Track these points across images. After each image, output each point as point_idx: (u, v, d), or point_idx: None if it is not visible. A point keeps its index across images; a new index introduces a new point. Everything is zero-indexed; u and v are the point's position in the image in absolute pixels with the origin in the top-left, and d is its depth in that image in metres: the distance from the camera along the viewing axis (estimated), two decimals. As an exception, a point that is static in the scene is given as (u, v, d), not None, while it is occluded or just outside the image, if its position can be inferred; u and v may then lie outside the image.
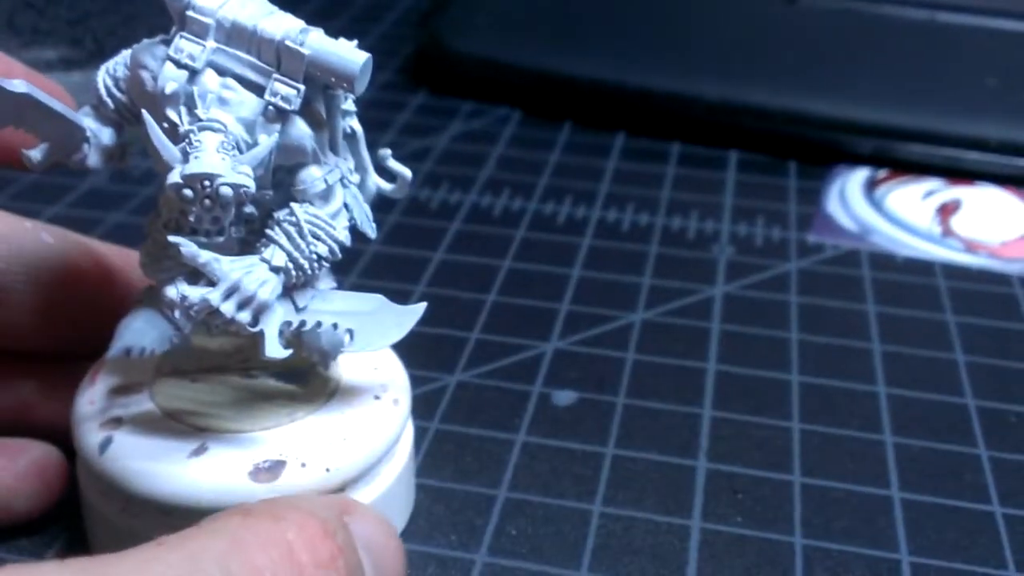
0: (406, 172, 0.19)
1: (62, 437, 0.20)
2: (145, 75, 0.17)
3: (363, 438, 0.19)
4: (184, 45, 0.17)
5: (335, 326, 0.18)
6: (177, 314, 0.17)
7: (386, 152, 0.20)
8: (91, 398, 0.19)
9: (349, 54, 0.17)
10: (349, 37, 0.18)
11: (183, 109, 0.17)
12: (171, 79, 0.17)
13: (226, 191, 0.16)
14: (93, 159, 0.18)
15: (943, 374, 0.25)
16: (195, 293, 0.16)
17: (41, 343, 0.21)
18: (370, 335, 0.19)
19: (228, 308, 0.16)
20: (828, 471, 0.22)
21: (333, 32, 0.18)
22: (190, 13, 0.17)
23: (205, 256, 0.16)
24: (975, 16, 0.39)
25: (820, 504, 0.21)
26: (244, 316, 0.17)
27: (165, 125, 0.17)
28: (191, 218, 0.16)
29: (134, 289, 0.21)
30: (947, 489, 0.22)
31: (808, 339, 0.26)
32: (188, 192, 0.16)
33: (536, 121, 0.38)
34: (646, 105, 0.37)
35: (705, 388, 0.25)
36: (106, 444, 0.18)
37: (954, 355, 0.26)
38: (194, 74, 0.17)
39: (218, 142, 0.16)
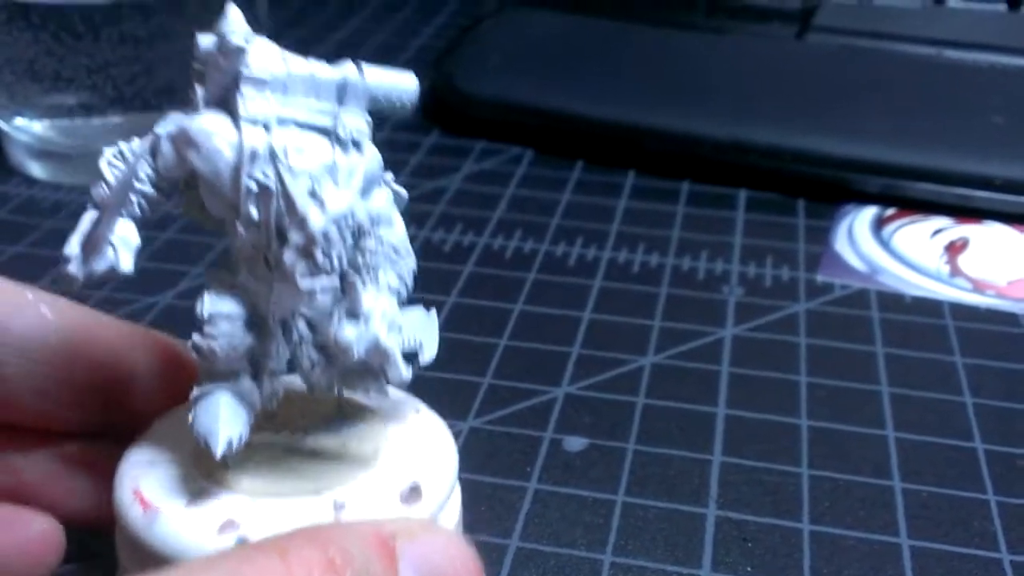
0: (402, 191, 0.20)
1: (63, 517, 0.20)
2: (218, 142, 0.17)
3: (446, 443, 0.20)
4: (252, 106, 0.17)
5: (414, 340, 0.19)
6: (354, 354, 0.17)
7: (388, 175, 0.20)
8: (173, 519, 0.18)
9: (402, 79, 0.18)
10: None
11: (264, 165, 0.17)
12: (256, 138, 0.17)
13: (366, 223, 0.17)
14: (127, 262, 0.18)
15: (951, 417, 0.25)
16: (363, 329, 0.17)
17: (42, 421, 0.20)
18: (428, 346, 0.19)
19: (385, 337, 0.17)
20: (838, 518, 0.22)
21: None
22: (246, 72, 0.17)
23: (365, 296, 0.17)
24: (982, 53, 0.40)
25: (830, 552, 0.21)
26: (394, 341, 0.17)
27: (253, 186, 0.17)
28: (334, 257, 0.17)
29: (140, 366, 0.20)
30: (956, 536, 0.22)
31: (817, 382, 0.27)
32: (334, 231, 0.17)
33: (548, 160, 0.38)
34: (655, 144, 0.38)
35: (715, 433, 0.25)
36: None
37: (962, 397, 0.26)
38: (266, 129, 0.17)
39: (331, 182, 0.17)
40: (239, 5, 0.38)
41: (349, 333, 0.17)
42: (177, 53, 0.36)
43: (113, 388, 0.20)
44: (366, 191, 0.18)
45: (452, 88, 0.41)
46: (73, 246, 0.18)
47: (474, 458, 0.24)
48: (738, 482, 0.23)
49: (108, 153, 0.18)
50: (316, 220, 0.17)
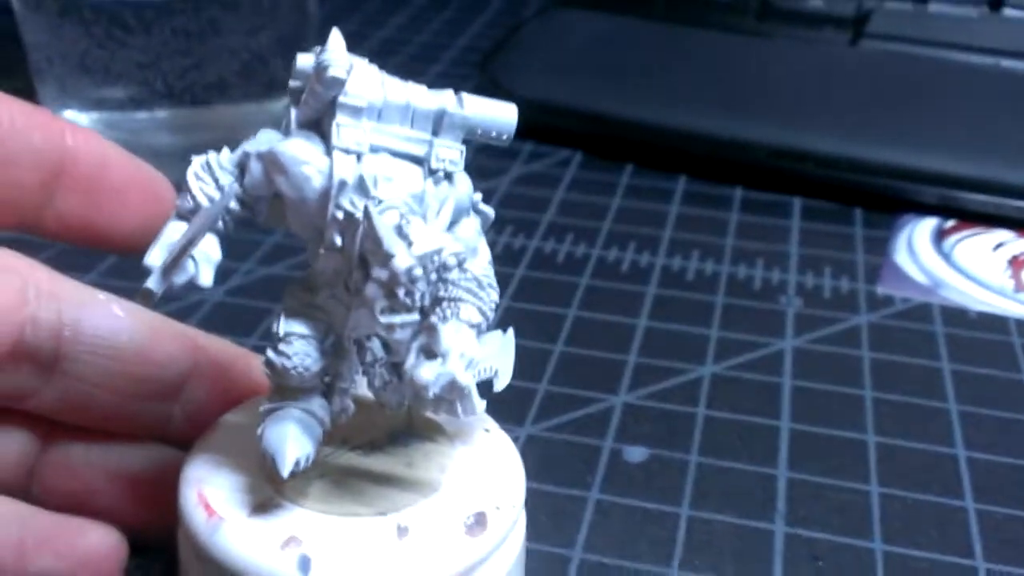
0: (489, 211, 0.19)
1: (121, 522, 0.19)
2: (307, 170, 0.17)
3: (514, 467, 0.19)
4: (347, 133, 0.17)
5: (491, 368, 0.18)
6: (430, 393, 0.16)
7: (476, 197, 0.19)
8: (237, 529, 0.18)
9: (503, 111, 0.18)
10: (406, 76, 0.18)
11: (352, 195, 0.17)
12: (347, 168, 0.17)
13: (452, 261, 0.16)
14: (208, 276, 0.18)
15: (1022, 436, 0.25)
16: (442, 369, 0.16)
17: (106, 420, 0.20)
18: (504, 372, 0.19)
19: (463, 376, 0.17)
20: (910, 539, 0.22)
21: (390, 71, 0.18)
22: (343, 99, 0.17)
23: (445, 335, 0.17)
24: (1042, 63, 0.39)
25: (903, 574, 0.21)
26: (470, 379, 0.17)
27: (339, 215, 0.17)
28: (417, 296, 0.16)
29: (196, 370, 0.20)
30: (1033, 560, 0.21)
31: (882, 397, 0.26)
32: (419, 271, 0.16)
33: (597, 163, 0.38)
34: (707, 149, 0.37)
35: (779, 447, 0.24)
36: (306, 565, 0.17)
37: (1032, 416, 0.25)
38: (358, 158, 0.17)
39: (420, 219, 0.17)
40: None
41: (426, 373, 0.17)
42: (227, 48, 0.35)
43: (170, 391, 0.20)
44: (454, 222, 0.18)
45: (499, 89, 0.41)
46: (155, 258, 0.17)
47: (533, 466, 0.23)
48: (805, 497, 0.23)
49: (196, 164, 0.18)
50: (402, 260, 0.16)
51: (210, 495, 0.18)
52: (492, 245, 0.32)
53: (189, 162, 0.18)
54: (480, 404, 0.17)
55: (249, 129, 0.40)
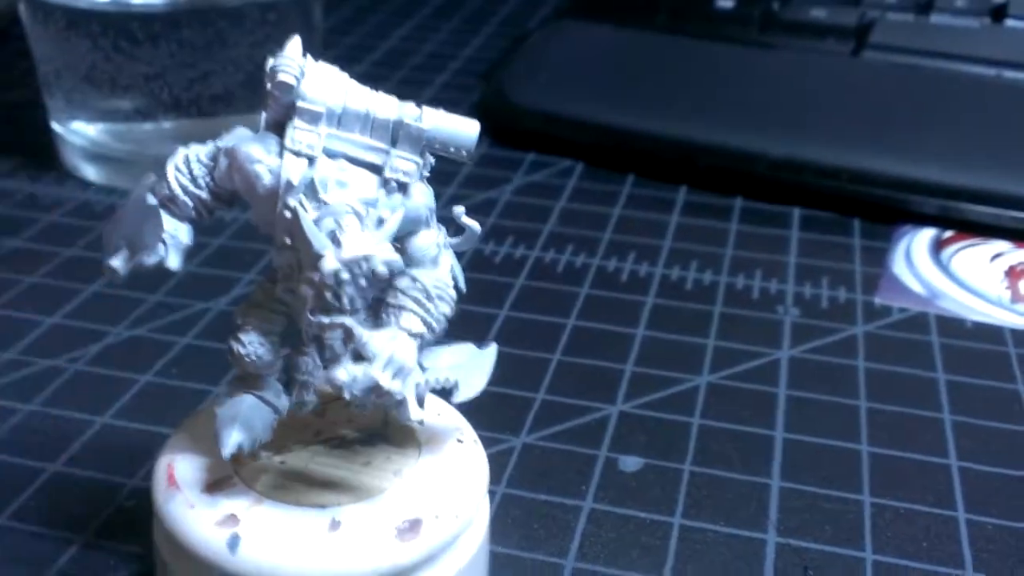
0: (475, 226, 0.20)
1: None
2: (259, 168, 0.18)
3: (471, 480, 0.20)
4: (300, 136, 0.18)
5: (448, 380, 0.19)
6: (347, 394, 0.17)
7: (459, 210, 0.20)
8: (187, 501, 0.19)
9: (464, 126, 0.18)
10: (411, 86, 0.18)
11: (302, 197, 0.17)
12: (295, 170, 0.17)
13: (382, 269, 0.17)
14: (175, 260, 0.18)
15: (1017, 447, 0.25)
16: (361, 372, 0.17)
17: None
18: (468, 385, 0.19)
19: (387, 381, 0.17)
20: (901, 548, 0.22)
21: (396, 82, 0.18)
22: (300, 104, 0.18)
23: (366, 335, 0.17)
24: (1043, 74, 0.39)
25: (893, 583, 0.21)
26: (397, 386, 0.17)
27: (287, 214, 0.17)
28: (344, 300, 0.17)
29: None
30: None
31: (877, 407, 0.26)
32: (346, 275, 0.17)
33: (599, 173, 0.38)
34: (708, 160, 0.37)
35: (773, 456, 0.24)
36: (235, 543, 0.18)
37: (1027, 427, 0.26)
38: (311, 162, 0.18)
39: (357, 224, 0.17)
40: (293, 11, 0.38)
41: (341, 374, 0.17)
42: (232, 61, 0.36)
43: None
44: (411, 233, 0.18)
45: (503, 100, 0.41)
46: (135, 241, 0.18)
47: (527, 475, 0.24)
48: (798, 508, 0.23)
49: (177, 156, 0.19)
50: (329, 262, 0.17)
51: (177, 468, 0.20)
52: (492, 255, 0.33)
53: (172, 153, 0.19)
54: (416, 412, 0.18)
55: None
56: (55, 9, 0.35)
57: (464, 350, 0.20)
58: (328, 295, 0.17)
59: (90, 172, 0.37)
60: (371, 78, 0.48)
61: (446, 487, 0.19)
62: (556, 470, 0.24)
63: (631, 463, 0.24)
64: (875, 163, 0.35)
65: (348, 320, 0.18)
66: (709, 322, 0.30)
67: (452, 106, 0.18)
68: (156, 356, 0.28)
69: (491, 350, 0.20)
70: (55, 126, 0.38)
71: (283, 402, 0.19)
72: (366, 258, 0.17)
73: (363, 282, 0.17)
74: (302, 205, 0.18)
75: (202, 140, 0.39)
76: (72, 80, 0.36)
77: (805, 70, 0.42)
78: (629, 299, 0.31)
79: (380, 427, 0.21)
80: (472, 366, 0.20)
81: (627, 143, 0.38)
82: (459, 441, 0.21)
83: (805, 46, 0.44)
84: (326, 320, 0.17)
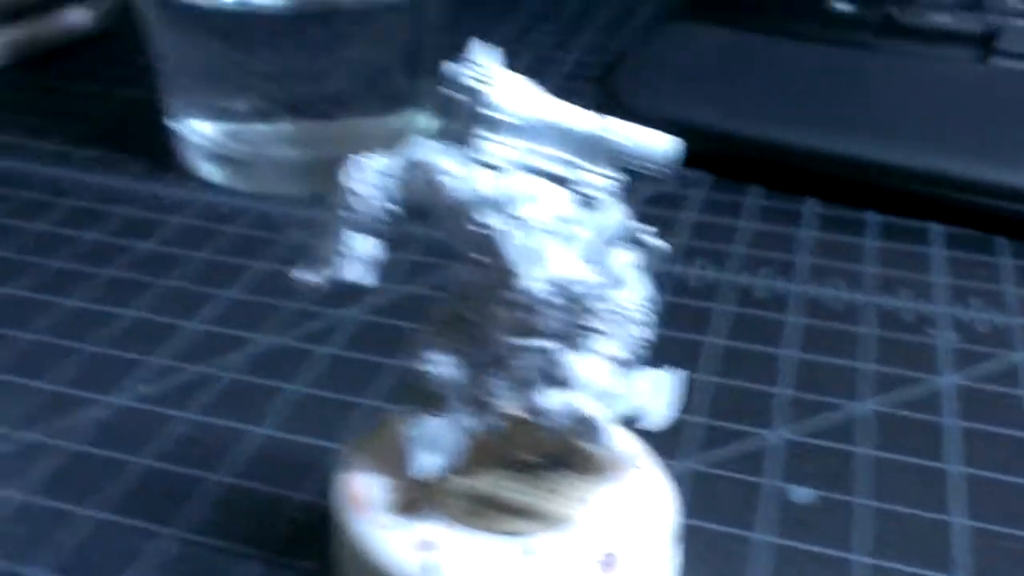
0: (660, 245, 0.19)
1: None
2: (449, 181, 0.17)
3: (661, 511, 0.19)
4: (491, 148, 0.17)
5: (638, 407, 0.18)
6: (548, 421, 0.17)
7: (643, 228, 0.19)
8: (378, 522, 0.19)
9: (655, 141, 0.17)
10: None
11: (489, 211, 0.17)
12: (486, 183, 0.17)
13: (582, 291, 0.16)
14: (357, 271, 0.18)
15: None
16: (563, 398, 0.16)
17: None
18: (655, 411, 0.19)
19: (589, 408, 0.16)
20: (1099, 595, 0.21)
21: None
22: (490, 114, 0.17)
23: (567, 360, 0.17)
24: None
25: (1095, 632, 0.20)
26: (599, 412, 0.17)
27: (472, 228, 0.17)
28: (542, 322, 0.16)
29: None
30: None
31: (1049, 440, 0.25)
32: (546, 296, 0.16)
33: (724, 184, 0.37)
34: (838, 170, 0.36)
35: (947, 491, 0.23)
36: (432, 569, 0.18)
37: None
38: (502, 175, 0.17)
39: (555, 243, 0.16)
40: (411, 14, 0.37)
41: (548, 401, 0.17)
42: (352, 63, 0.35)
43: None
44: (599, 252, 0.18)
45: (620, 107, 0.40)
46: (317, 254, 0.18)
47: (694, 502, 0.23)
48: (984, 548, 0.22)
49: (354, 167, 0.18)
50: (532, 283, 0.16)
51: (361, 487, 0.19)
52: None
53: (345, 166, 0.18)
54: (613, 438, 0.17)
55: (369, 142, 0.40)
56: (179, 9, 0.35)
57: (652, 376, 0.19)
58: (525, 316, 0.17)
59: (210, 172, 0.37)
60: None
61: (637, 518, 0.19)
62: (720, 498, 0.23)
63: (800, 494, 0.23)
64: (1015, 176, 0.34)
65: (547, 344, 0.17)
66: (857, 344, 0.29)
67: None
68: (301, 365, 0.27)
69: (677, 376, 0.19)
70: (174, 125, 0.37)
71: (468, 424, 0.19)
72: (566, 279, 0.16)
73: (562, 303, 0.17)
74: (496, 221, 0.17)
75: (317, 143, 0.39)
76: (193, 80, 0.36)
77: (932, 77, 0.40)
78: (767, 316, 0.30)
79: (562, 452, 0.20)
80: (656, 392, 0.19)
81: (753, 153, 0.37)
82: (638, 467, 0.20)
83: (927, 52, 0.43)
84: (523, 343, 0.17)
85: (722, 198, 0.36)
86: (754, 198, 0.36)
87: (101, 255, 0.32)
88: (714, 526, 0.23)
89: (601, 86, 0.42)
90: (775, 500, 0.23)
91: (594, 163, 0.17)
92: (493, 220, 0.17)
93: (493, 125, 0.17)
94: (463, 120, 0.17)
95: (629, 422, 0.19)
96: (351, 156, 0.18)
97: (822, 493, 0.23)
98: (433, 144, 0.18)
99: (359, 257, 0.18)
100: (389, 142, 0.38)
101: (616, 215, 0.18)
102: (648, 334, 0.18)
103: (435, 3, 0.37)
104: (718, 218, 0.35)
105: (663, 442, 0.25)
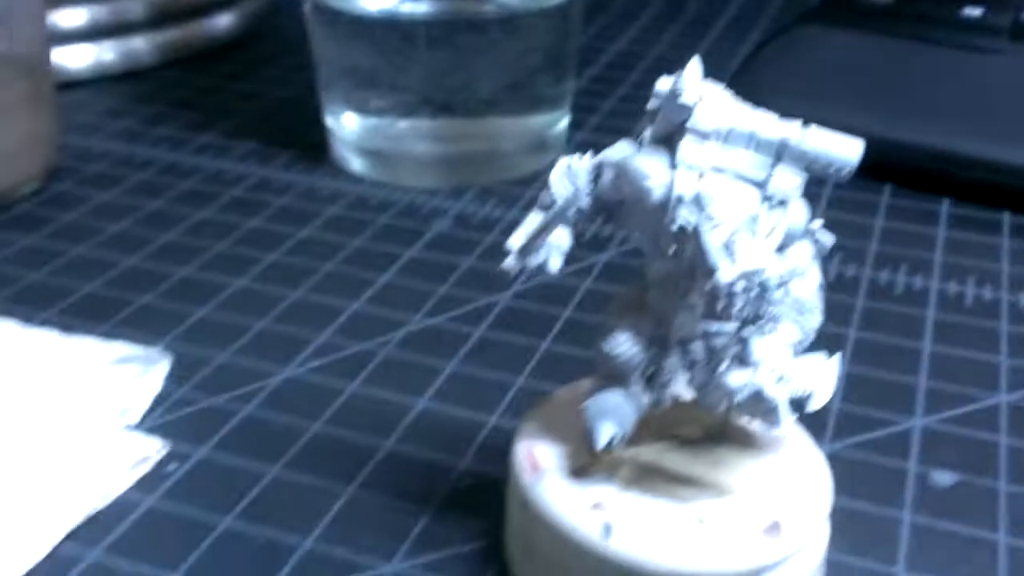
0: (827, 239, 0.20)
1: None
2: (649, 183, 0.19)
3: (818, 485, 0.20)
4: (691, 152, 0.18)
5: (806, 389, 0.19)
6: (737, 401, 0.18)
7: (816, 224, 0.20)
8: (556, 486, 0.20)
9: (845, 147, 0.19)
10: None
11: (688, 210, 0.18)
12: (686, 184, 0.18)
13: (773, 281, 0.17)
14: (556, 264, 0.20)
15: None
16: (749, 378, 0.18)
17: None
18: (819, 394, 0.20)
19: (770, 388, 0.18)
20: None
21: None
22: (692, 123, 0.18)
23: (755, 344, 0.18)
24: None
25: None
26: (778, 393, 0.18)
27: (674, 228, 0.18)
28: (735, 309, 0.18)
29: None
30: None
31: None
32: (739, 286, 0.17)
33: (856, 183, 0.38)
34: (972, 173, 0.37)
35: (1093, 481, 0.24)
36: (608, 530, 0.19)
37: None
38: (700, 177, 0.18)
39: (748, 238, 0.18)
40: (559, 20, 0.39)
41: (734, 380, 0.19)
42: (500, 66, 0.37)
43: None
44: (784, 248, 0.19)
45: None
46: (515, 242, 0.20)
47: (840, 483, 0.24)
48: None
49: (560, 165, 0.20)
50: (725, 274, 0.18)
51: (538, 454, 0.21)
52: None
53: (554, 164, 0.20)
54: (787, 418, 0.19)
55: (510, 141, 0.42)
56: (341, 15, 0.37)
57: (816, 360, 0.20)
58: (720, 304, 0.18)
59: (361, 167, 0.39)
60: (604, 81, 0.49)
61: (797, 490, 0.20)
62: (866, 480, 0.24)
63: (944, 478, 0.24)
64: None
65: (737, 328, 0.18)
66: (996, 339, 0.29)
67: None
68: (455, 345, 0.29)
69: (835, 360, 0.20)
70: (330, 122, 0.40)
71: (645, 400, 0.20)
72: (759, 271, 0.18)
73: (753, 293, 0.18)
74: (694, 219, 0.18)
75: (461, 140, 0.41)
76: (352, 81, 0.38)
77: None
78: (906, 312, 0.31)
79: (719, 429, 0.21)
80: (822, 376, 0.20)
81: (886, 153, 0.38)
82: (796, 445, 0.21)
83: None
84: (714, 328, 0.18)
85: (854, 196, 0.37)
86: (888, 197, 0.37)
87: (264, 241, 0.35)
88: (859, 504, 0.23)
89: (731, 87, 0.43)
90: (916, 483, 0.24)
91: (785, 167, 0.19)
92: (691, 218, 0.18)
93: (693, 134, 0.19)
94: (664, 126, 0.19)
95: (796, 404, 0.20)
96: (562, 157, 0.20)
97: (963, 477, 0.24)
98: (631, 147, 0.19)
99: (557, 248, 0.20)
100: (529, 141, 0.40)
101: (800, 213, 0.19)
102: (819, 322, 0.19)
103: (578, 8, 0.39)
104: (852, 215, 0.36)
105: (811, 426, 0.26)
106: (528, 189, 0.38)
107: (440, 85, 0.37)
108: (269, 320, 0.30)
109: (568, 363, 0.28)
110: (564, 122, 0.41)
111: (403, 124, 0.38)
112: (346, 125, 0.39)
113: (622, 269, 0.32)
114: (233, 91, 0.47)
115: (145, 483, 0.24)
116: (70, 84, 0.47)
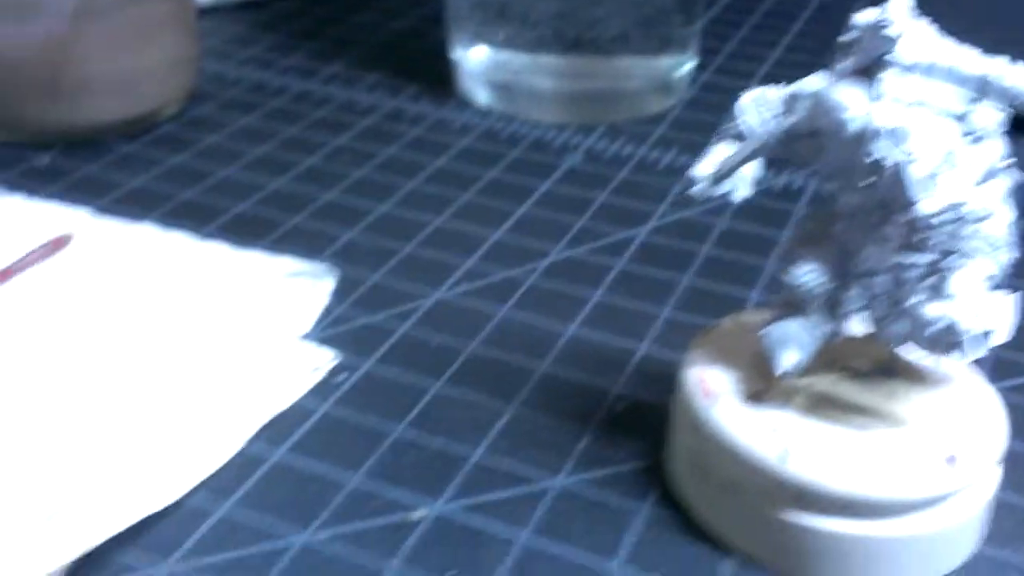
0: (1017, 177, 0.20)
1: None
2: (847, 114, 0.19)
3: (994, 420, 0.21)
4: (892, 85, 0.19)
5: (990, 326, 0.20)
6: (929, 332, 0.19)
7: (1004, 164, 0.20)
8: (731, 410, 0.21)
9: None
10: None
11: (886, 142, 0.19)
12: (886, 117, 0.19)
13: (971, 216, 0.18)
14: (743, 194, 0.21)
15: None
16: (946, 310, 0.18)
17: None
18: (1000, 330, 0.20)
19: (966, 321, 0.18)
20: None
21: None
22: (892, 57, 0.19)
23: (953, 276, 0.18)
24: None
25: None
26: (974, 326, 0.18)
27: (871, 159, 0.19)
28: (933, 241, 0.18)
29: None
30: None
31: None
32: (940, 219, 0.18)
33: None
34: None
35: None
36: (786, 453, 0.20)
37: None
38: (900, 110, 0.19)
39: (949, 171, 0.18)
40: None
41: (932, 311, 0.19)
42: (633, 4, 0.37)
43: None
44: (982, 183, 0.19)
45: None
46: (704, 170, 0.21)
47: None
48: None
49: (749, 96, 0.20)
50: (925, 206, 0.18)
51: (708, 379, 0.22)
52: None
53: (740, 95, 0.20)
54: (973, 353, 0.19)
55: (636, 81, 0.41)
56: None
57: (999, 297, 0.20)
58: (919, 236, 0.19)
59: (488, 99, 0.40)
60: (725, 23, 0.48)
61: (973, 425, 0.20)
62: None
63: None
64: None
65: (933, 260, 0.19)
66: None
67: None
68: (598, 276, 0.30)
69: (1016, 297, 0.21)
70: (460, 55, 0.40)
71: (825, 329, 0.21)
72: (960, 204, 0.18)
73: (952, 227, 0.18)
74: (893, 151, 0.19)
75: (587, 77, 0.41)
76: (482, 13, 0.38)
77: None
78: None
79: (890, 362, 0.22)
80: (1004, 313, 0.20)
81: None
82: (965, 382, 0.22)
83: None
84: (911, 259, 0.19)
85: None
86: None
87: (401, 169, 0.36)
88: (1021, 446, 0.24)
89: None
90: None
91: (985, 102, 0.19)
92: (890, 151, 0.18)
93: (895, 67, 0.19)
94: (863, 58, 0.19)
95: (978, 340, 0.20)
96: (750, 89, 0.20)
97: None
98: (826, 80, 0.20)
99: (745, 178, 0.20)
100: (655, 81, 0.40)
101: (998, 148, 0.19)
102: (1013, 257, 0.19)
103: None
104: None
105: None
106: (657, 128, 0.38)
107: (571, 20, 0.37)
108: (415, 245, 0.31)
109: (710, 298, 0.29)
110: (691, 64, 0.41)
111: (532, 58, 0.39)
112: (474, 58, 0.40)
113: (759, 209, 0.33)
114: (352, 22, 0.48)
115: (319, 391, 0.25)
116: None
